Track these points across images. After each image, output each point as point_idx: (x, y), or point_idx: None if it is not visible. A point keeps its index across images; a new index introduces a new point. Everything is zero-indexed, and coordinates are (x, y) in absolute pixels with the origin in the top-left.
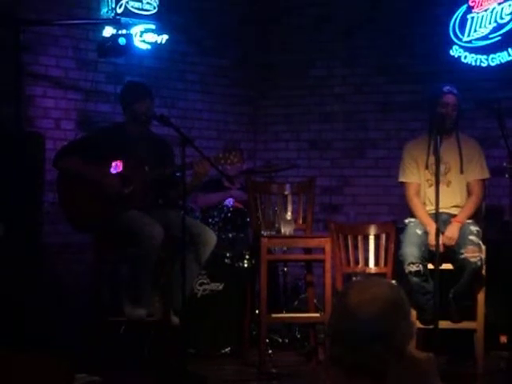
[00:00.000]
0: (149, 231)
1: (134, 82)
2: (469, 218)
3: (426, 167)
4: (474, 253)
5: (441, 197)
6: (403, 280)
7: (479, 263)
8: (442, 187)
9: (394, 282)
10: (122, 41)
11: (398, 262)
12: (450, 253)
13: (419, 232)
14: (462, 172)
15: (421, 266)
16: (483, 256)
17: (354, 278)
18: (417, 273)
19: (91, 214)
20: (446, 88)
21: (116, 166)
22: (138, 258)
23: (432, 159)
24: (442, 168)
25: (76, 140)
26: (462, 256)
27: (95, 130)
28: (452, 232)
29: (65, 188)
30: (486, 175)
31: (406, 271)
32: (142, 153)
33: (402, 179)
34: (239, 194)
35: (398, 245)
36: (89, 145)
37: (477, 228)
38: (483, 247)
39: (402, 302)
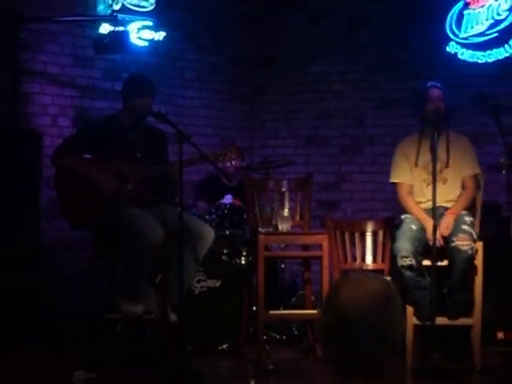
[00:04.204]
0: (149, 230)
1: (139, 74)
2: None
3: (423, 167)
4: (465, 241)
5: (437, 194)
6: (399, 276)
7: (470, 252)
8: (439, 185)
9: (387, 277)
10: (119, 37)
11: (393, 257)
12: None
13: (414, 227)
14: (447, 166)
15: (413, 260)
16: (475, 245)
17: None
18: (409, 267)
19: (89, 212)
20: (430, 83)
21: None
22: (135, 255)
23: (426, 158)
24: (438, 166)
25: (71, 136)
26: (453, 244)
27: (89, 123)
28: (447, 223)
29: (63, 186)
30: (479, 170)
31: (399, 265)
32: (136, 146)
33: (394, 179)
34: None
35: (393, 240)
36: (84, 139)
37: (471, 218)
38: (475, 237)
39: (393, 295)
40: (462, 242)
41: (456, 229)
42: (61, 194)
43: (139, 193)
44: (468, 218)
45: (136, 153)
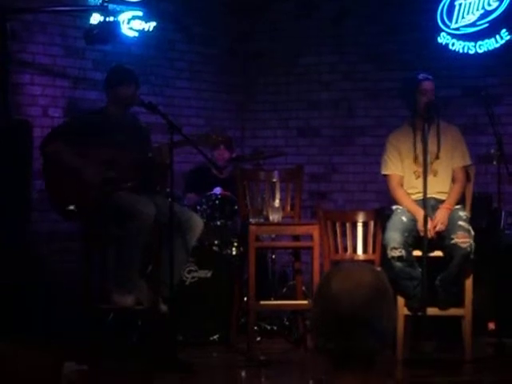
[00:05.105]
0: (141, 206)
1: (121, 65)
2: (456, 204)
3: (414, 159)
4: (465, 238)
5: (428, 187)
6: (389, 267)
7: (469, 249)
8: (430, 177)
9: (378, 268)
10: (110, 27)
11: (383, 248)
12: (440, 239)
13: (404, 219)
14: (437, 157)
15: (403, 251)
16: (473, 242)
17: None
18: (399, 258)
19: (78, 199)
20: (422, 75)
21: None
22: (127, 238)
23: (416, 150)
24: (428, 157)
25: (60, 125)
26: (453, 241)
27: (78, 114)
28: (442, 217)
29: (51, 173)
30: (470, 161)
31: (389, 256)
32: (123, 136)
33: (384, 172)
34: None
35: (383, 231)
36: (72, 129)
37: (465, 213)
38: (473, 233)
39: (385, 287)
40: (462, 240)
41: (453, 225)
42: (50, 180)
43: (126, 178)
44: (463, 213)
45: (123, 143)
